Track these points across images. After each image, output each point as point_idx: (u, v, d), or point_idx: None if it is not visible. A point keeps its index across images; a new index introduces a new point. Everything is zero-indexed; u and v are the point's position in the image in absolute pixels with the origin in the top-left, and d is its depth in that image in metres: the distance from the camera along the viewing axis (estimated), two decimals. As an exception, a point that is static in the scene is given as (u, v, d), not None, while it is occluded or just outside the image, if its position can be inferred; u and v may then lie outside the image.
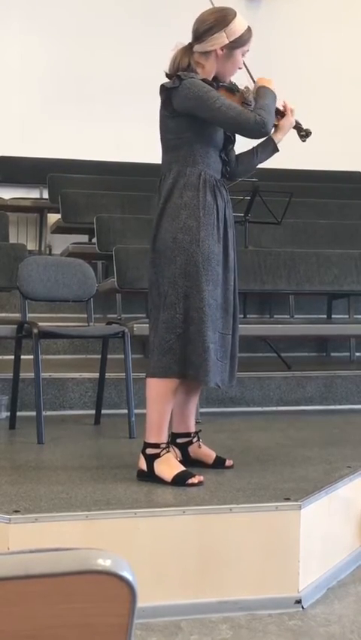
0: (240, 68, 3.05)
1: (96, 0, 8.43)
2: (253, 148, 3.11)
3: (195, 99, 2.86)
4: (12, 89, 8.27)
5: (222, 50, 2.94)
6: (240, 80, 3.10)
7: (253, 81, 3.09)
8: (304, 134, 3.20)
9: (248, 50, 3.01)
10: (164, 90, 2.93)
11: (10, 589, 0.82)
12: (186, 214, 2.88)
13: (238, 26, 2.94)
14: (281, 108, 3.10)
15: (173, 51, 2.99)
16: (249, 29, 2.97)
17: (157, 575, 2.52)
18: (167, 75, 2.97)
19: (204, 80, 2.92)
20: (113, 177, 7.62)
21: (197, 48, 2.96)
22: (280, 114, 3.10)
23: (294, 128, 3.18)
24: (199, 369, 2.86)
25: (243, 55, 3.01)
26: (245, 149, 3.14)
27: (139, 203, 6.62)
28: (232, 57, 2.98)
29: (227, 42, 2.93)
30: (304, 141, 3.22)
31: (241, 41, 2.96)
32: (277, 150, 3.11)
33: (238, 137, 3.09)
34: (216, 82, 3.02)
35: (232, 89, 3.04)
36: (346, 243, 6.05)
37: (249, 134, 2.95)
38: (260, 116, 2.91)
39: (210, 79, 2.99)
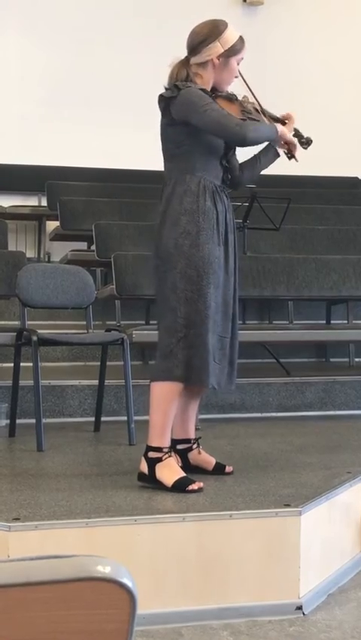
0: (236, 77, 3.12)
1: (95, 7, 8.46)
2: (255, 155, 3.20)
3: (188, 104, 2.94)
4: (10, 96, 8.28)
5: (218, 59, 3.04)
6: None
7: (250, 91, 3.17)
8: (304, 141, 3.30)
9: (243, 59, 3.10)
10: (163, 100, 3.00)
11: (10, 596, 0.82)
12: (186, 220, 2.93)
13: (230, 35, 3.04)
14: (280, 116, 3.21)
15: (170, 66, 3.06)
16: (241, 39, 3.08)
17: (157, 581, 2.52)
18: (166, 89, 3.04)
19: (202, 90, 2.99)
20: (111, 184, 7.63)
21: (194, 60, 3.05)
22: (281, 122, 3.20)
23: (294, 136, 3.28)
24: (201, 371, 2.90)
25: (238, 63, 3.10)
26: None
27: (138, 210, 6.62)
28: (228, 65, 3.06)
29: (222, 51, 3.02)
30: (305, 149, 3.32)
31: (235, 49, 3.05)
32: (278, 155, 3.21)
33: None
34: (215, 92, 3.09)
35: (230, 98, 3.14)
36: (344, 249, 6.06)
37: (229, 137, 2.98)
38: (244, 124, 2.96)
39: (208, 89, 3.06)
